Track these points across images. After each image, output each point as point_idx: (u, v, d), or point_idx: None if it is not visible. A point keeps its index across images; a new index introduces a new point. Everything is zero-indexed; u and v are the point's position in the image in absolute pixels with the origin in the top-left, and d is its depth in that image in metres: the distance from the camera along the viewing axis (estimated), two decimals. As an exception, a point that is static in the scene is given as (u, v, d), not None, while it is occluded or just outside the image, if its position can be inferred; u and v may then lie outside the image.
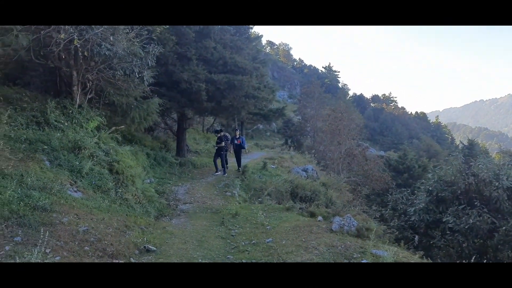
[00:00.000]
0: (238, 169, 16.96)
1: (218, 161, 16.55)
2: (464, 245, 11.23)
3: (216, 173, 16.14)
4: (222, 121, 37.52)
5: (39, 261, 4.30)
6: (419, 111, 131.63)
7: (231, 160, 17.89)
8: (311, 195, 14.95)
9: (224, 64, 16.99)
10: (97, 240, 5.81)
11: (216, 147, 16.41)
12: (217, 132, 16.83)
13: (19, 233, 5.15)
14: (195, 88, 15.16)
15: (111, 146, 9.96)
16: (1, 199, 5.57)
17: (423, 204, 12.96)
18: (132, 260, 5.85)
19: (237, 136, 16.97)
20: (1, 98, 8.95)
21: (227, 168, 16.67)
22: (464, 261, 10.02)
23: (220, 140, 16.21)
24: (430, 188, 12.99)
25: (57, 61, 9.79)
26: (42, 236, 4.78)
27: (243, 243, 7.48)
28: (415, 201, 14.06)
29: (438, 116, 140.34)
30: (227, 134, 17.12)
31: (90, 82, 10.44)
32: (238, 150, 16.98)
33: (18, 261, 4.18)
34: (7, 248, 4.73)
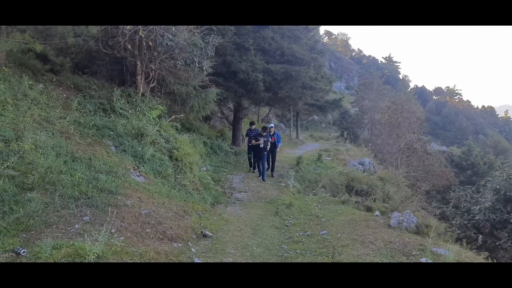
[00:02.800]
0: (272, 174, 14.11)
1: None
2: (533, 248, 10.51)
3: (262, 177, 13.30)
4: (277, 111, 37.54)
5: (106, 240, 4.55)
6: (486, 105, 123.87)
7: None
8: (368, 189, 14.64)
9: (281, 54, 16.92)
10: (157, 223, 6.06)
11: (250, 144, 13.90)
12: (251, 124, 14.41)
13: (88, 213, 5.50)
14: (252, 79, 15.25)
15: (171, 134, 10.30)
16: (72, 181, 5.97)
17: (489, 203, 12.28)
18: (190, 244, 6.04)
19: (271, 132, 13.81)
20: (71, 86, 9.55)
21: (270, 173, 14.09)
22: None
23: (256, 134, 13.53)
24: (498, 187, 12.25)
25: (122, 51, 10.24)
26: (109, 217, 5.06)
27: (298, 234, 7.48)
28: (480, 199, 13.34)
29: (507, 110, 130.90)
30: (258, 129, 14.42)
31: (153, 72, 10.82)
32: (272, 150, 13.80)
33: (87, 239, 4.46)
34: (77, 226, 5.07)
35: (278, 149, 14.50)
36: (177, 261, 5.12)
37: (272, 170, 14.17)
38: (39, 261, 4.04)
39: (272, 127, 14.20)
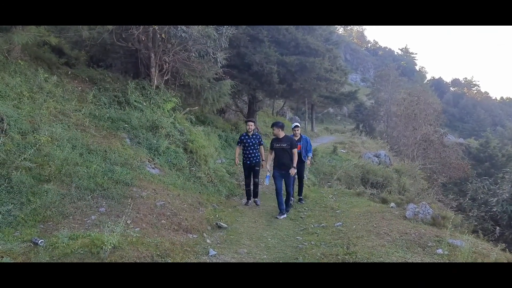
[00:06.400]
0: (300, 199, 9.46)
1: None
2: (553, 240, 10.30)
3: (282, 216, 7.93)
4: (292, 104, 37.37)
5: (122, 231, 4.56)
6: (505, 97, 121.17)
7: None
8: (383, 181, 14.46)
9: (296, 46, 16.80)
10: (173, 215, 6.07)
11: (248, 162, 8.92)
12: (248, 122, 9.01)
13: (103, 204, 5.54)
14: (267, 71, 15.17)
15: (185, 126, 10.30)
16: (87, 173, 6.02)
17: (507, 195, 12.08)
18: (205, 235, 6.04)
19: (297, 136, 9.02)
20: (86, 78, 9.62)
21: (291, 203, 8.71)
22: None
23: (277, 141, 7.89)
24: (517, 178, 12.03)
25: (136, 44, 10.27)
26: (126, 208, 5.08)
27: (312, 226, 7.41)
28: (498, 191, 13.12)
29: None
30: (258, 134, 9.19)
31: (167, 64, 10.83)
32: (299, 165, 8.34)
33: (103, 230, 4.47)
34: (93, 217, 5.10)
35: (308, 163, 9.70)
36: (192, 252, 5.12)
37: (300, 194, 9.57)
38: (56, 251, 4.07)
39: (297, 127, 9.17)
